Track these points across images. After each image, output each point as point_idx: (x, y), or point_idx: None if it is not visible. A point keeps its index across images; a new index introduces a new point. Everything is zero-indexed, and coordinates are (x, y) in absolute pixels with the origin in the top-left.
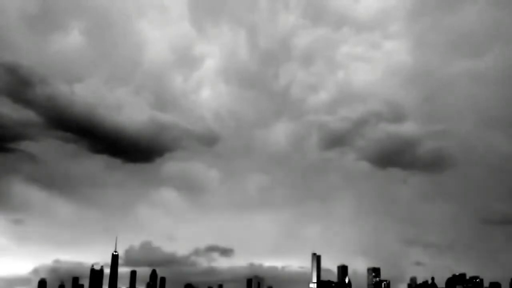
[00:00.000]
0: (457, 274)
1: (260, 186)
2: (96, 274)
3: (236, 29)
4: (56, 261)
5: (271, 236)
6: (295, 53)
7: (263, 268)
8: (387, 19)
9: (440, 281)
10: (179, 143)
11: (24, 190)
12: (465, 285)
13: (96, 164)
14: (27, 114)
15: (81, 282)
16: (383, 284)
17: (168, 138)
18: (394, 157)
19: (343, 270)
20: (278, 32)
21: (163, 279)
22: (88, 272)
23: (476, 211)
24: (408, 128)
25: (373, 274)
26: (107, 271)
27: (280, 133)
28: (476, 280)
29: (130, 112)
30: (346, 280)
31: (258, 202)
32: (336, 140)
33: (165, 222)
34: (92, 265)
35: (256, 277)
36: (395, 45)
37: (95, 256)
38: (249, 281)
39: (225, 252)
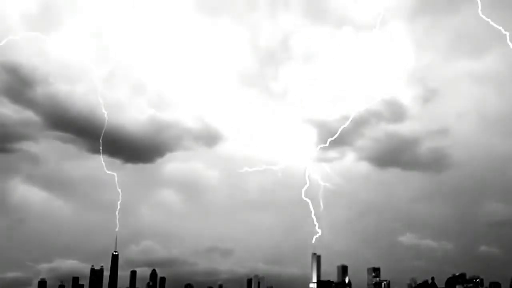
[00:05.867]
0: (457, 274)
1: (261, 186)
2: (96, 274)
3: None
4: (56, 261)
5: (271, 236)
6: None
7: (263, 268)
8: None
9: (440, 281)
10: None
11: (24, 190)
12: (465, 285)
13: (96, 164)
14: (27, 114)
15: (81, 282)
16: (383, 284)
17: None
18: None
19: (343, 270)
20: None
21: (163, 279)
22: (88, 272)
23: (476, 211)
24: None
25: (373, 274)
26: (107, 271)
27: None
28: (476, 280)
29: (130, 112)
30: (346, 280)
31: (258, 202)
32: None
33: (165, 222)
34: (92, 265)
35: (256, 277)
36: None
37: (95, 256)
38: (249, 281)
39: (225, 252)
